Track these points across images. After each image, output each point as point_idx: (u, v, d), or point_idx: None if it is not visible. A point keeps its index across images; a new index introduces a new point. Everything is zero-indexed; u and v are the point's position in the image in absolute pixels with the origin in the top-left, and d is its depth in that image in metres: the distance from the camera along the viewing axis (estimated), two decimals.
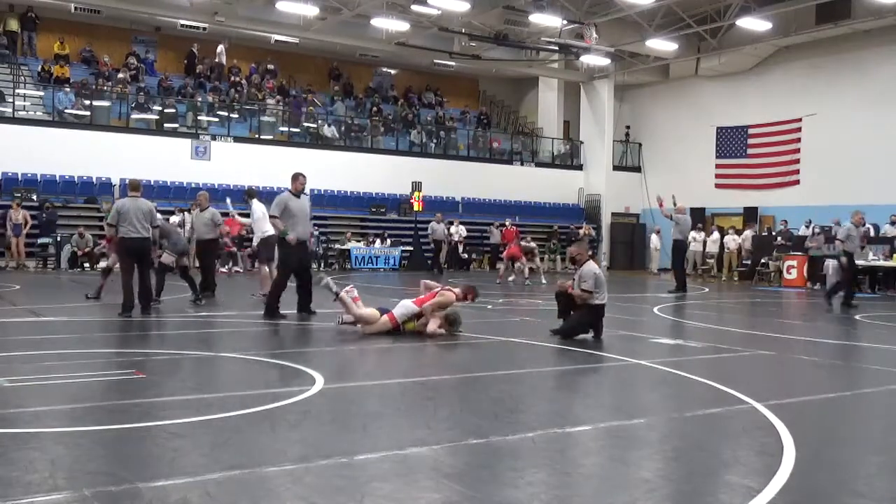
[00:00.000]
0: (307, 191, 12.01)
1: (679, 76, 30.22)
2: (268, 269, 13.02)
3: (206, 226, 13.47)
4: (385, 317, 9.16)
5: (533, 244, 21.71)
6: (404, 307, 9.25)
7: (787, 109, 26.71)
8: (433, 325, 9.08)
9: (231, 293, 14.28)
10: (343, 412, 5.33)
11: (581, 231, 22.18)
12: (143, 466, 3.97)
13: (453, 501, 3.56)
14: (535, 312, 12.87)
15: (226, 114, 26.06)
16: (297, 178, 10.95)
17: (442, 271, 23.71)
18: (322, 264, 23.56)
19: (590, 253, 9.30)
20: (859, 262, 19.60)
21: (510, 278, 19.96)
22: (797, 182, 26.63)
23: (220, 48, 27.95)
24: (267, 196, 24.43)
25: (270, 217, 11.13)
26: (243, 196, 15.13)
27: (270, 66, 29.10)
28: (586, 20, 23.83)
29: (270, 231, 12.42)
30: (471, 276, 22.76)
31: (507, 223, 26.29)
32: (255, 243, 14.04)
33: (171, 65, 28.05)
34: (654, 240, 27.15)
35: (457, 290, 9.50)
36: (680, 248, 17.72)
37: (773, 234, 24.25)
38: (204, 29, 26.11)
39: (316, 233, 21.10)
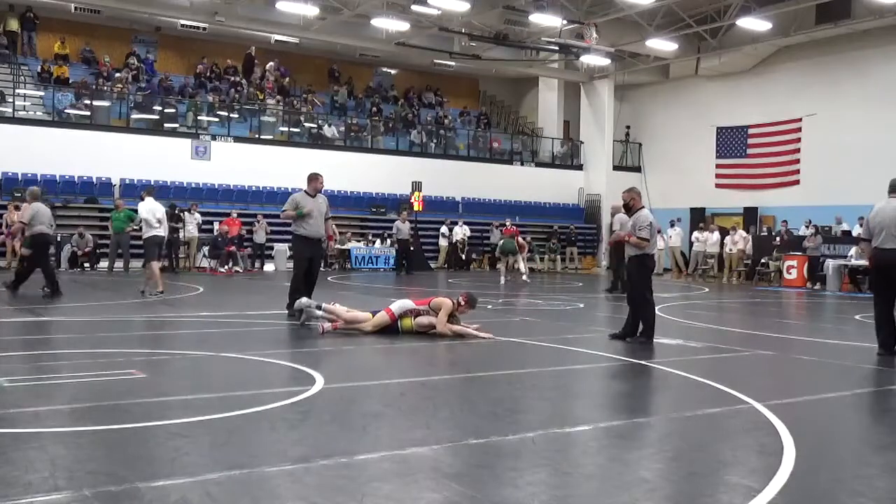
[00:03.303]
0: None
1: (679, 76, 30.20)
2: (155, 268, 13.54)
3: (32, 219, 13.26)
4: (382, 311, 9.25)
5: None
6: (402, 303, 9.36)
7: (787, 109, 26.69)
8: (441, 319, 9.11)
9: (230, 293, 14.27)
10: (343, 412, 5.33)
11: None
12: (143, 466, 3.97)
13: (453, 501, 3.56)
14: (535, 312, 12.87)
15: (226, 114, 26.06)
16: (316, 178, 10.96)
17: (405, 271, 23.29)
18: (322, 264, 23.50)
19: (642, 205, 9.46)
20: (859, 262, 19.62)
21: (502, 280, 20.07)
22: (797, 182, 26.62)
23: (270, 66, 28.39)
24: (267, 196, 24.62)
25: (282, 211, 11.15)
26: (141, 193, 14.90)
27: (282, 67, 29.24)
28: (586, 20, 23.81)
29: (154, 232, 13.43)
30: (471, 276, 22.75)
31: (507, 223, 26.27)
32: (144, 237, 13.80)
33: (171, 65, 28.05)
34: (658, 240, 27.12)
35: (457, 300, 9.52)
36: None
37: (773, 233, 24.23)
38: (204, 29, 26.13)
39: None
